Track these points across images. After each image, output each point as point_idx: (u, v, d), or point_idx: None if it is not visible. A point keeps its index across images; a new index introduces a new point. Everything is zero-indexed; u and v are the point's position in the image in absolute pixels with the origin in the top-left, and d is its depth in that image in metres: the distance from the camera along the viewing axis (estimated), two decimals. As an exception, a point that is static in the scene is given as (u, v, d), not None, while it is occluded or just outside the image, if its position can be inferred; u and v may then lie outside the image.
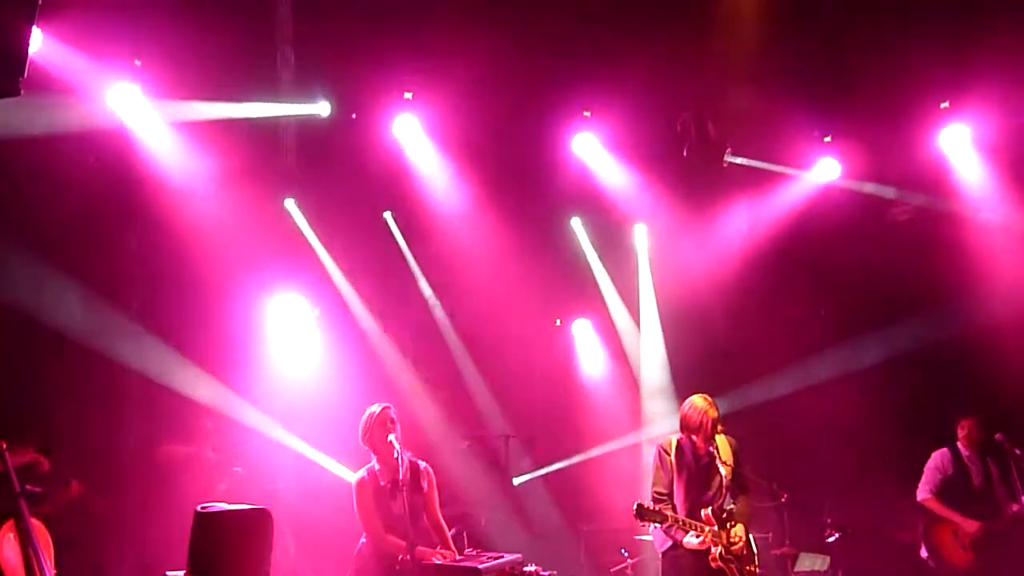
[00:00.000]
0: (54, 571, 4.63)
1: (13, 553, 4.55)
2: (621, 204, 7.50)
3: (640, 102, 6.97)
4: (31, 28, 3.38)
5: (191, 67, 6.07)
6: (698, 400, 5.25)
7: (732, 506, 5.25)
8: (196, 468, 6.07)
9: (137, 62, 6.02)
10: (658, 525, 5.10)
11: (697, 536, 5.08)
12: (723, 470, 5.20)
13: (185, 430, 6.25)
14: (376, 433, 5.08)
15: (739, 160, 7.28)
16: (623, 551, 6.70)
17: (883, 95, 6.82)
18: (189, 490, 5.48)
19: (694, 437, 5.23)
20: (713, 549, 5.10)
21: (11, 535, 4.57)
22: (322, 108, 6.65)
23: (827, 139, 7.33)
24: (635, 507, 5.03)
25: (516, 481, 6.81)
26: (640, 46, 6.56)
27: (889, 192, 7.29)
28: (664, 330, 7.63)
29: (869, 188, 7.30)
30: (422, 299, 7.29)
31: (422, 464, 5.28)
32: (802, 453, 6.98)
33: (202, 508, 3.53)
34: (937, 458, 6.37)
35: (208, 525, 3.46)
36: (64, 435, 5.67)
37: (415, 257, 7.37)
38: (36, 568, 4.59)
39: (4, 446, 4.68)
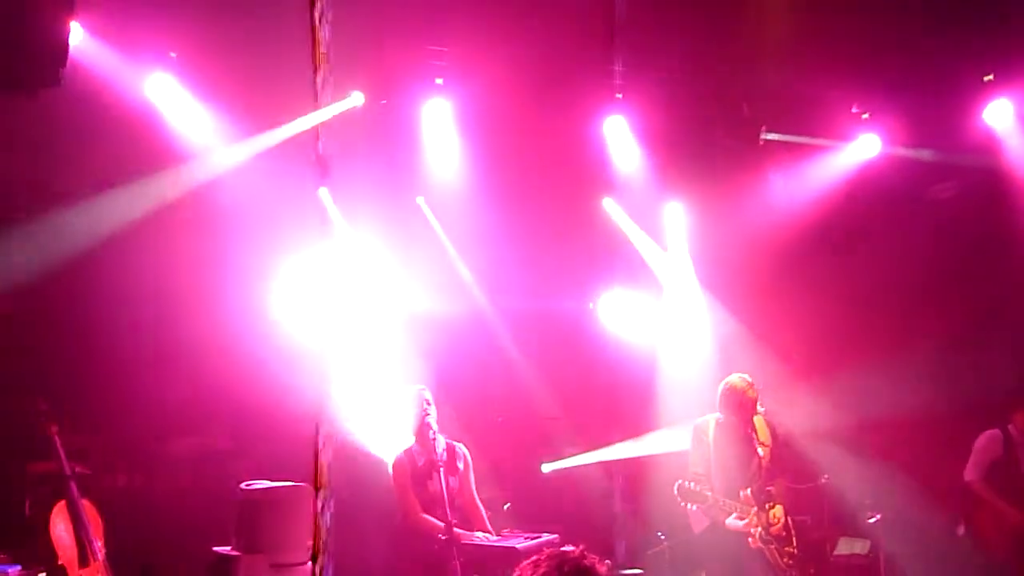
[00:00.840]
0: (103, 549, 4.77)
1: (66, 532, 4.69)
2: (654, 184, 7.43)
3: (673, 81, 6.90)
4: (71, 19, 3.44)
5: (226, 59, 6.13)
6: (736, 380, 5.20)
7: (771, 487, 5.20)
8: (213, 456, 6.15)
9: (173, 54, 6.09)
10: (697, 505, 5.08)
11: (737, 517, 5.05)
12: (761, 451, 5.16)
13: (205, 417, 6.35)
14: (413, 414, 5.13)
15: (776, 137, 7.17)
16: (660, 534, 6.69)
17: (924, 68, 6.64)
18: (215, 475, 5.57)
19: (732, 417, 5.19)
20: (752, 530, 5.07)
21: (63, 514, 4.71)
22: (355, 99, 6.68)
23: (865, 116, 7.18)
24: (675, 486, 5.02)
25: (546, 468, 6.76)
26: (673, 25, 6.48)
27: (931, 165, 7.10)
28: (703, 309, 7.55)
29: (911, 159, 7.13)
30: (458, 283, 7.29)
31: (459, 446, 5.32)
32: (843, 433, 6.87)
33: (246, 486, 3.60)
34: (987, 439, 6.12)
35: (252, 502, 3.53)
36: (110, 419, 5.82)
37: (450, 241, 7.38)
38: (87, 545, 4.74)
39: (56, 429, 4.83)
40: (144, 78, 6.04)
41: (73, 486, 4.79)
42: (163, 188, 6.14)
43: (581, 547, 2.55)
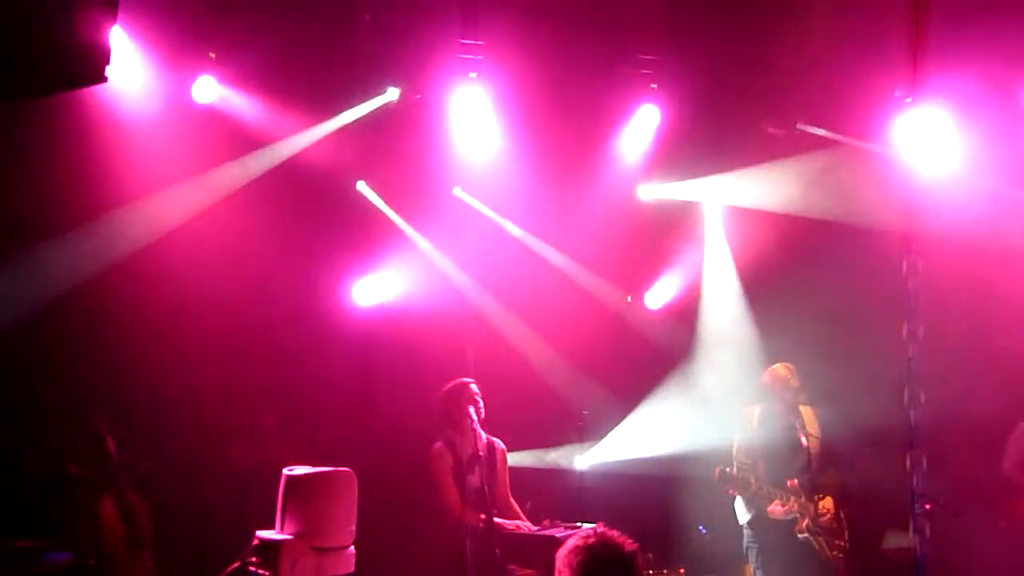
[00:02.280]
0: (149, 534, 4.88)
1: (113, 519, 4.81)
2: (688, 174, 7.37)
3: (708, 72, 6.83)
4: (115, 18, 3.54)
5: (267, 58, 6.23)
6: (779, 369, 5.15)
7: (820, 478, 5.11)
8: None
9: (212, 55, 6.20)
10: (740, 493, 5.01)
11: (781, 506, 4.97)
12: (807, 441, 5.08)
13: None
14: (458, 407, 5.15)
15: (812, 129, 7.06)
16: (700, 528, 6.60)
17: (967, 52, 6.46)
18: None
19: (777, 405, 5.13)
20: (799, 520, 4.99)
21: (111, 502, 4.83)
22: (391, 94, 6.74)
23: (908, 100, 7.00)
24: (717, 472, 4.96)
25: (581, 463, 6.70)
26: (711, 16, 6.42)
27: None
28: (744, 300, 7.45)
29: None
30: (497, 271, 7.30)
31: (497, 441, 5.33)
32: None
33: (290, 471, 3.64)
34: (1022, 431, 6.07)
35: (296, 487, 3.57)
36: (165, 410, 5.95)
37: (488, 233, 7.39)
38: (134, 532, 4.86)
39: (105, 427, 4.95)
40: (186, 80, 6.16)
41: (120, 474, 4.91)
42: (210, 188, 6.27)
43: (617, 532, 2.56)
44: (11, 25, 2.97)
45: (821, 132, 7.04)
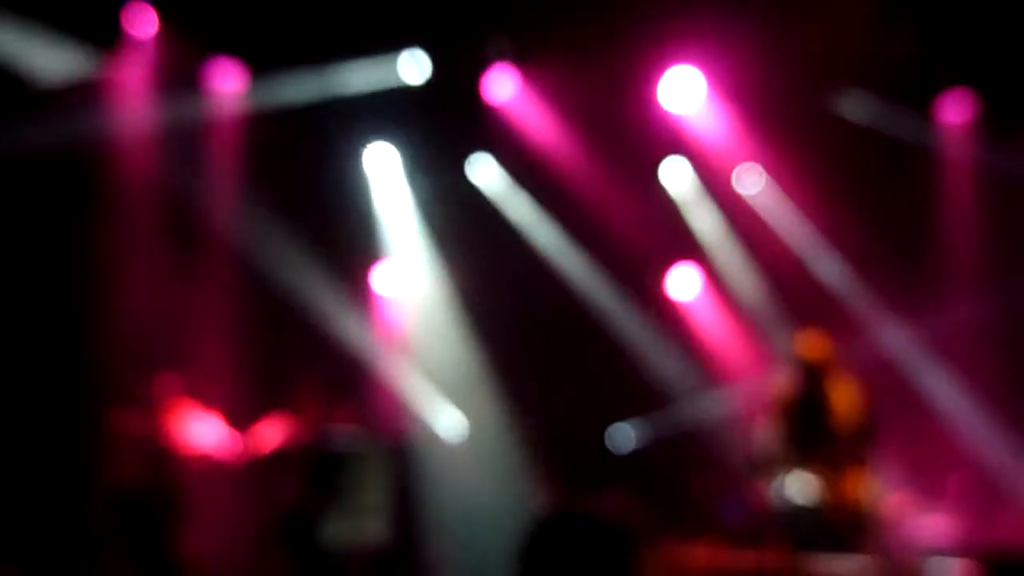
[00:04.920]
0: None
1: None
2: (722, 149, 7.23)
3: (746, 42, 6.66)
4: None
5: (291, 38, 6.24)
6: (811, 339, 5.04)
7: (850, 452, 5.02)
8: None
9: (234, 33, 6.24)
10: (767, 473, 4.96)
11: (809, 484, 4.91)
12: (839, 414, 4.99)
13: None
14: None
15: (852, 102, 6.86)
16: (729, 499, 6.56)
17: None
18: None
19: (807, 378, 5.04)
20: (829, 497, 4.92)
21: None
22: (419, 69, 6.70)
23: (955, 74, 6.78)
24: (745, 460, 4.91)
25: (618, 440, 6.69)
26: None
27: None
28: (774, 274, 7.34)
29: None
30: (524, 254, 7.28)
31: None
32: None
33: (321, 440, 3.67)
34: None
35: (327, 455, 3.60)
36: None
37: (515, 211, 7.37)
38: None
39: None
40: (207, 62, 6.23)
41: None
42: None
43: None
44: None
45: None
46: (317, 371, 5.97)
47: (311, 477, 3.67)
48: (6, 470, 5.24)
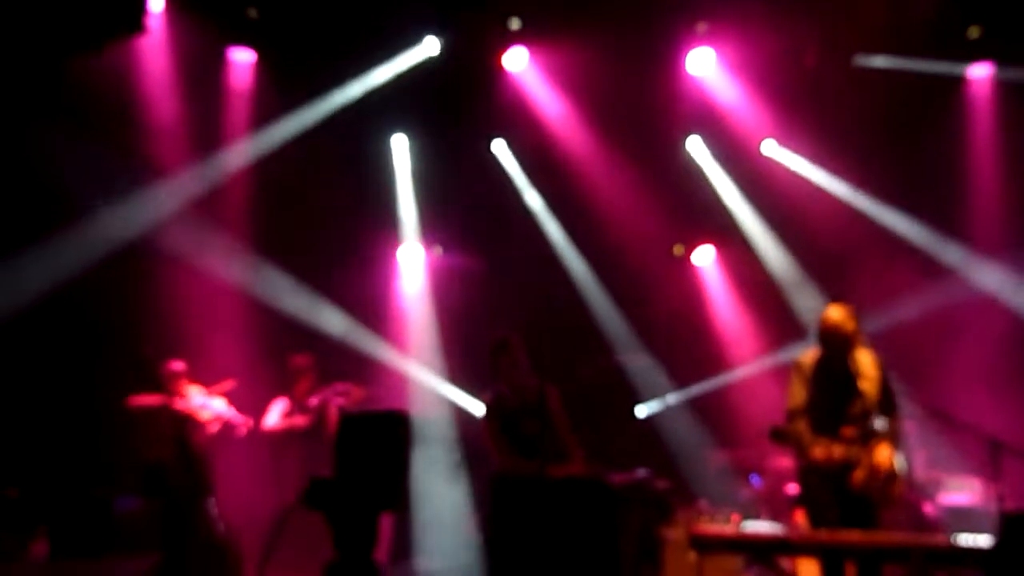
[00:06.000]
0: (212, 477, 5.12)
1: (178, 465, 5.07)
2: (743, 121, 7.15)
3: (761, 11, 6.57)
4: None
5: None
6: (834, 311, 4.99)
7: (877, 424, 4.98)
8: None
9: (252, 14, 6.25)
10: (791, 445, 4.95)
11: (833, 455, 4.88)
12: (864, 385, 4.94)
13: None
14: (502, 360, 5.20)
15: (872, 62, 6.74)
16: (753, 477, 6.56)
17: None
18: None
19: (829, 351, 4.99)
20: (854, 468, 4.89)
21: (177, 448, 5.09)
22: (431, 48, 6.68)
23: (975, 34, 6.63)
24: (770, 431, 4.90)
25: (641, 410, 6.72)
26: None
27: None
28: (800, 248, 7.28)
29: None
30: (540, 231, 7.28)
31: (547, 388, 5.36)
32: (954, 368, 6.53)
33: (346, 412, 3.73)
34: None
35: (351, 428, 3.65)
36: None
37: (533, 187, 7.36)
38: (198, 475, 5.11)
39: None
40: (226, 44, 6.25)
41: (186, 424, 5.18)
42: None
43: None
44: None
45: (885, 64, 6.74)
46: (313, 353, 6.18)
47: (342, 444, 3.75)
48: (37, 447, 5.46)
